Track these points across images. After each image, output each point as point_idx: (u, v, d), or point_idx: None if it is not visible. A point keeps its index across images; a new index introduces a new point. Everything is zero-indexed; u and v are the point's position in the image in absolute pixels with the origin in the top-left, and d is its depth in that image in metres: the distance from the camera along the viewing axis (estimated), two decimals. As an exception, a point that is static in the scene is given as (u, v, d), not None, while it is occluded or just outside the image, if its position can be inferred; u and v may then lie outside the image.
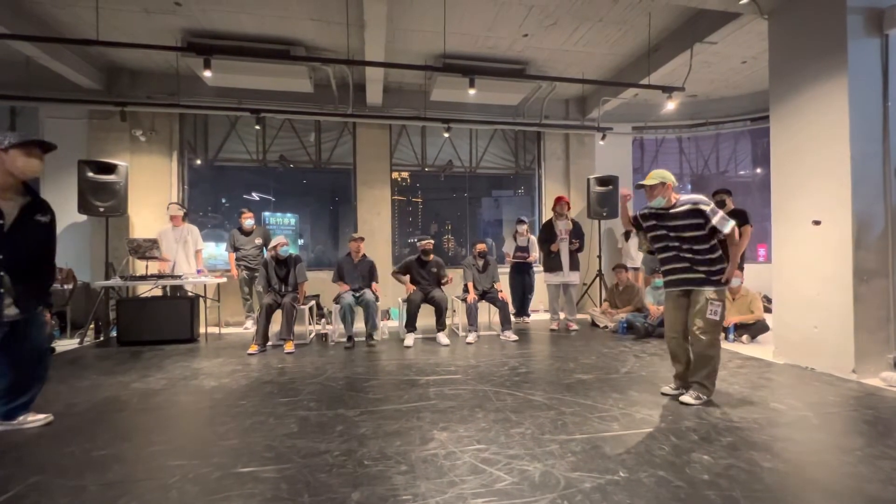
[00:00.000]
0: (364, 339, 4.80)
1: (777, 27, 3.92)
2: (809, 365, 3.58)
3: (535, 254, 5.94)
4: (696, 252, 2.80)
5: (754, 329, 4.59)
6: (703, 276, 2.79)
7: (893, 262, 3.36)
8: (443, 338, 4.77)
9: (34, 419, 2.50)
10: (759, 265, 6.72)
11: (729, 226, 2.73)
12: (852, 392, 2.98)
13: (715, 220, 2.73)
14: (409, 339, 4.72)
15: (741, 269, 4.94)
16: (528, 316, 6.11)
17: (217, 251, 6.99)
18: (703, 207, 2.76)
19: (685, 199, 2.83)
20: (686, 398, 2.79)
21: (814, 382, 3.21)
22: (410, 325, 4.82)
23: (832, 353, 3.40)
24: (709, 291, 2.76)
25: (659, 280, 5.32)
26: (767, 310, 4.76)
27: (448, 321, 5.22)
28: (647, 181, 2.89)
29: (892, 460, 1.99)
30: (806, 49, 3.62)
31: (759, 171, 7.69)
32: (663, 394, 2.94)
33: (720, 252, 2.81)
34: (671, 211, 2.86)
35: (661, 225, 2.92)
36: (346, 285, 4.86)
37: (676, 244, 2.86)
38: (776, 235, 3.94)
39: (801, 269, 3.68)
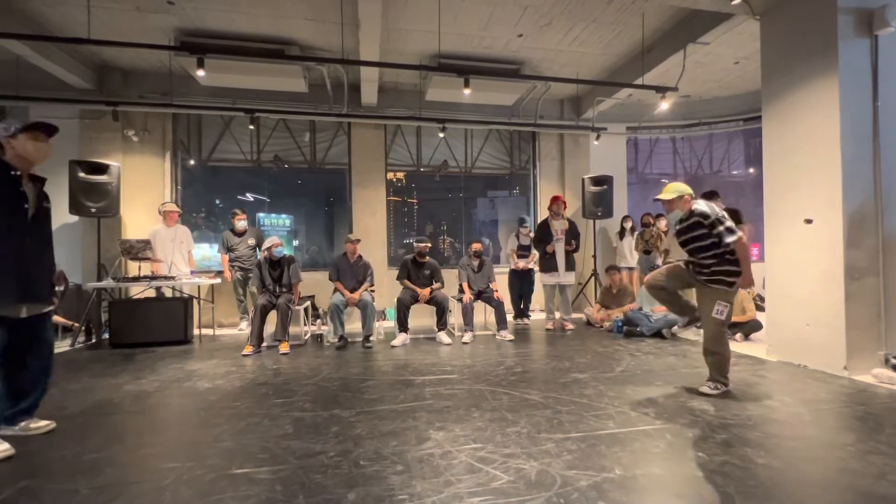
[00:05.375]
0: (360, 340, 4.77)
1: (769, 28, 3.95)
2: (802, 362, 3.61)
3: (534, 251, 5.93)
4: (705, 258, 2.89)
5: (747, 327, 4.62)
6: (714, 277, 2.88)
7: (884, 260, 3.39)
8: (444, 337, 4.77)
9: (36, 426, 2.41)
10: (752, 264, 6.75)
11: (732, 237, 2.78)
12: (844, 388, 3.01)
13: (716, 232, 2.80)
14: (398, 340, 4.70)
15: None
16: (528, 317, 6.09)
17: (211, 252, 6.94)
18: (702, 220, 2.84)
19: (694, 209, 2.88)
20: (703, 388, 2.95)
21: (806, 379, 3.24)
22: (401, 326, 4.81)
23: (824, 350, 3.44)
24: (718, 290, 2.85)
25: None
26: (760, 308, 4.80)
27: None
28: (665, 195, 2.94)
29: (883, 455, 2.01)
30: (797, 49, 3.66)
31: (751, 170, 7.77)
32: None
33: (728, 257, 2.86)
34: (686, 223, 2.93)
35: (682, 239, 3.00)
36: (342, 285, 4.84)
37: (697, 254, 2.93)
38: (768, 234, 3.97)
39: (793, 268, 3.71)
